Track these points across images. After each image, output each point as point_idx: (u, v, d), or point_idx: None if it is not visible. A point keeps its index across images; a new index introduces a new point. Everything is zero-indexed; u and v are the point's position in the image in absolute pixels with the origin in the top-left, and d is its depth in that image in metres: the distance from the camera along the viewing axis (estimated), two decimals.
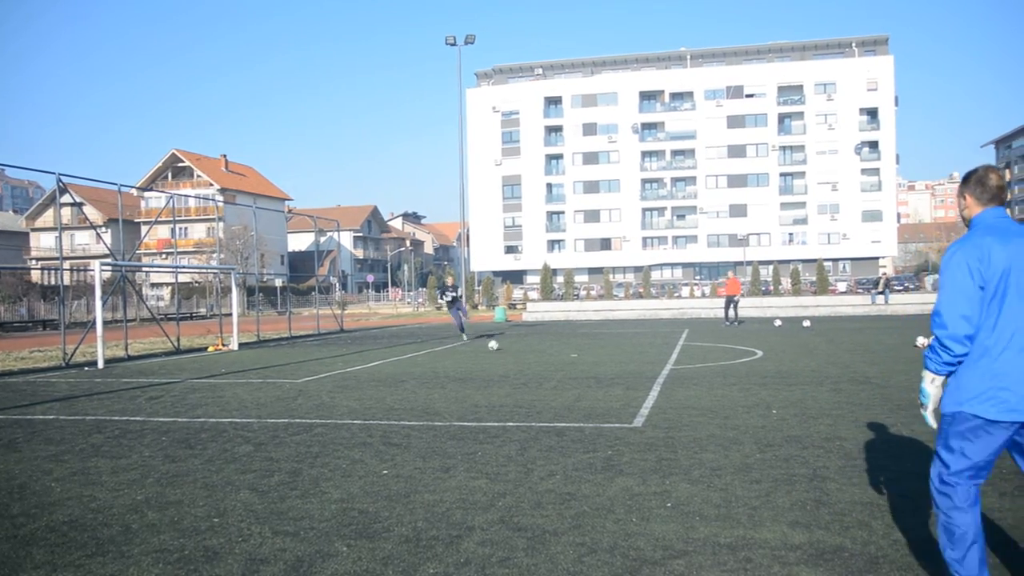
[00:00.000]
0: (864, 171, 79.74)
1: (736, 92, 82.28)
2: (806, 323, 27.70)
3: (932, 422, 3.63)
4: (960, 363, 3.44)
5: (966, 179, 3.58)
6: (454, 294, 23.58)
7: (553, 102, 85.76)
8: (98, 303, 18.93)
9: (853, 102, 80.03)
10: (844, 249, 79.79)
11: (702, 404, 9.63)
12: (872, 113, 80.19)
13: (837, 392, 10.37)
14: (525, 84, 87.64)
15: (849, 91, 79.96)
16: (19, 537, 4.92)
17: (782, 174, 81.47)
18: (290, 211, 78.12)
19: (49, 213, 78.79)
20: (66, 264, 40.55)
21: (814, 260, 68.94)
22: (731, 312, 29.01)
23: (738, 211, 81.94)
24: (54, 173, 18.29)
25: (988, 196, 3.52)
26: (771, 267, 71.15)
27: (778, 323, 28.21)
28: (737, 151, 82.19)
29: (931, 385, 3.54)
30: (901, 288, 62.96)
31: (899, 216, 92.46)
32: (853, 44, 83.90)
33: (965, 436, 3.40)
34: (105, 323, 18.58)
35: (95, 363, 17.67)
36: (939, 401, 3.53)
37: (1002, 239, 3.38)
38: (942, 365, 3.46)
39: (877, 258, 79.78)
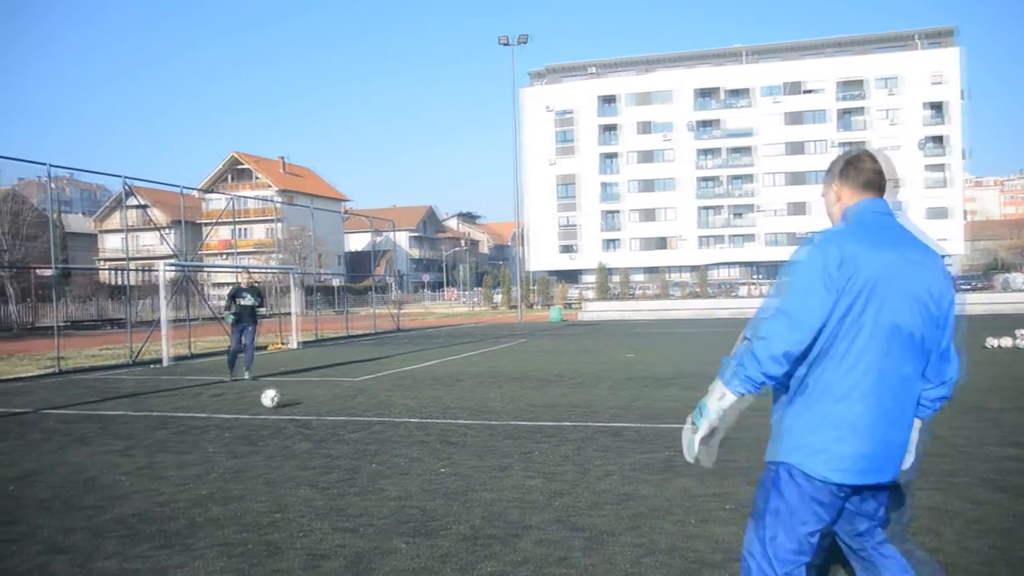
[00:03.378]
0: (929, 167, 77.54)
1: (794, 88, 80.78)
2: None
3: (695, 452, 2.88)
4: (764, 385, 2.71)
5: (834, 166, 2.84)
6: (255, 303, 14.14)
7: (607, 101, 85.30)
8: (163, 302, 19.43)
9: (917, 96, 77.89)
10: None
11: (763, 404, 9.43)
12: (937, 107, 77.96)
13: None
14: (579, 83, 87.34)
15: (913, 85, 77.85)
16: (91, 528, 5.07)
17: None
18: (347, 212, 79.00)
19: (116, 215, 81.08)
20: (132, 264, 41.67)
21: None
22: None
23: (797, 209, 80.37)
24: (120, 176, 18.89)
25: (864, 180, 2.74)
26: None
27: None
28: (796, 148, 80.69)
29: (718, 403, 2.83)
30: (968, 287, 61.17)
31: (966, 213, 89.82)
32: (916, 37, 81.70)
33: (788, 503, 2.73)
34: (169, 322, 19.03)
35: (160, 361, 18.11)
36: (719, 428, 2.86)
37: (877, 242, 2.58)
38: (746, 381, 2.76)
39: (943, 256, 77.53)
